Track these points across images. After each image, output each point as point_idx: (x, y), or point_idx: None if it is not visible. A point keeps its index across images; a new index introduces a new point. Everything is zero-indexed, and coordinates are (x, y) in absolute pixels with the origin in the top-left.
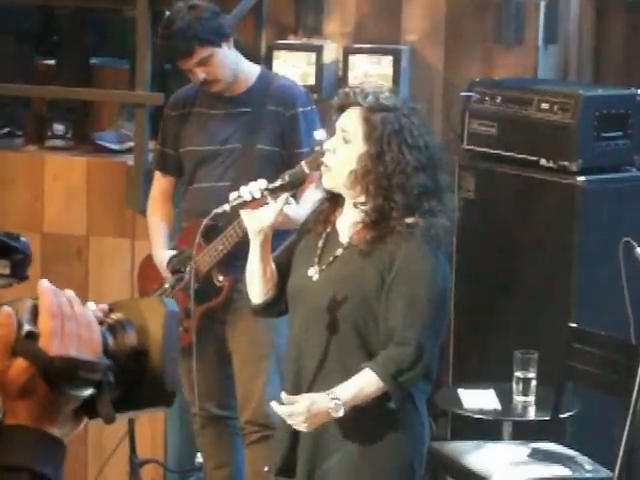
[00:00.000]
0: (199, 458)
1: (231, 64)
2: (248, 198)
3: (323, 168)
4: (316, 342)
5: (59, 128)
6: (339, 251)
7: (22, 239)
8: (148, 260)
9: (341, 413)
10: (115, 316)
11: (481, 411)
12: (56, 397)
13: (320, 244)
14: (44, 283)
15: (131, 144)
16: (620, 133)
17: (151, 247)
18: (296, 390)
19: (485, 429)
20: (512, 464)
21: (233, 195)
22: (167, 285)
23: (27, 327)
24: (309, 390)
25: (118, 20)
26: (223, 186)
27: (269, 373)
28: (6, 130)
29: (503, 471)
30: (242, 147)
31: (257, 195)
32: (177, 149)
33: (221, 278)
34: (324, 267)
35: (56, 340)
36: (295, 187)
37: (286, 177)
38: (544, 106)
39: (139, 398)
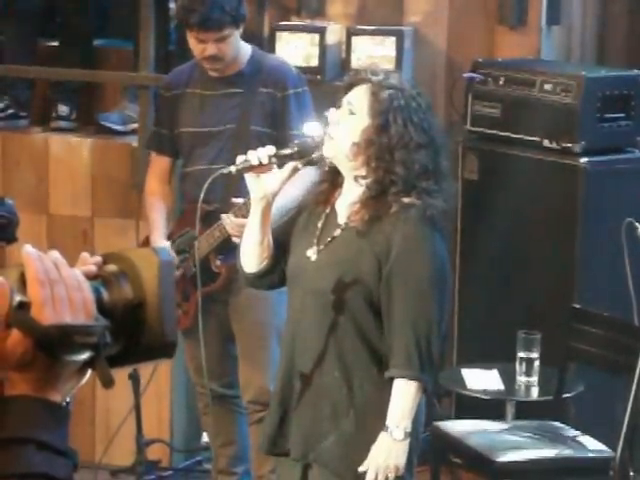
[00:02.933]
0: (205, 437)
1: (237, 46)
2: (255, 162)
3: (326, 137)
4: (312, 323)
5: (63, 109)
6: (337, 232)
7: (8, 202)
8: (147, 242)
9: (401, 435)
10: (109, 269)
11: (484, 391)
12: (54, 364)
13: (319, 225)
14: (28, 249)
15: (135, 125)
16: (623, 114)
17: (149, 231)
18: (289, 371)
19: (488, 409)
20: (515, 444)
21: (240, 158)
22: None
23: (18, 298)
24: (302, 371)
25: (122, 1)
26: (219, 168)
27: (271, 352)
28: (10, 112)
29: (506, 451)
30: (236, 128)
31: (265, 161)
32: (172, 130)
33: (218, 263)
34: (322, 248)
35: (48, 308)
36: (303, 157)
37: (295, 146)
38: (547, 87)
39: (139, 351)
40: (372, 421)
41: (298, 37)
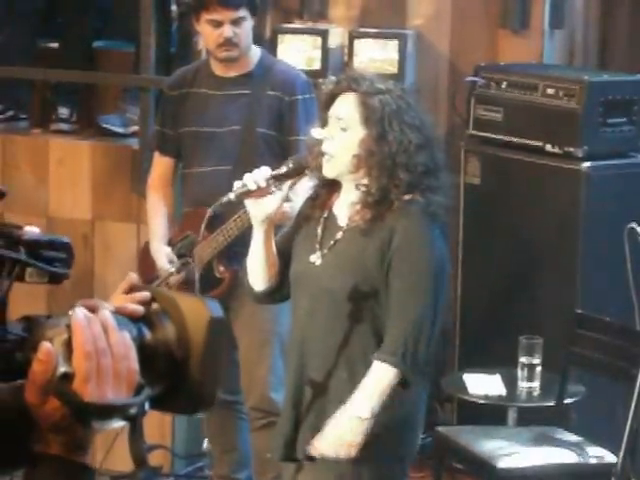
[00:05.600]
0: (206, 443)
1: (250, 38)
2: (253, 187)
3: (324, 158)
4: (321, 325)
5: (64, 111)
6: (339, 234)
7: (65, 241)
8: (148, 246)
9: (367, 414)
10: (154, 309)
11: (486, 397)
12: (88, 431)
13: (319, 230)
14: (78, 315)
15: (136, 128)
16: (625, 119)
17: (149, 234)
18: (300, 376)
19: (490, 414)
20: (517, 449)
21: (238, 184)
22: (172, 270)
23: (62, 368)
24: (312, 375)
25: (123, 2)
26: (224, 170)
27: (273, 359)
28: (10, 113)
29: (508, 456)
30: (242, 129)
31: (263, 184)
32: (176, 129)
33: (222, 269)
34: (326, 251)
35: (91, 384)
36: (299, 174)
37: (290, 164)
38: (550, 91)
39: (173, 405)
40: (379, 422)
41: (300, 40)
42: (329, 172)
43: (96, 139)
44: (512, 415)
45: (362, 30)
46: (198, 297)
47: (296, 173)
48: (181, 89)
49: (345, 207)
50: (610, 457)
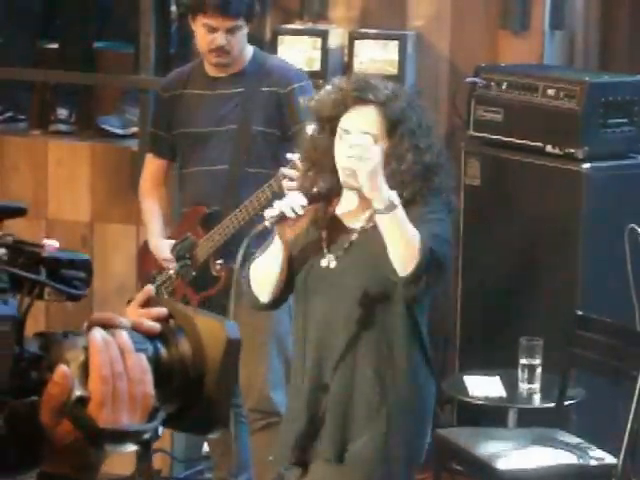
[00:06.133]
0: (206, 447)
1: (243, 44)
2: (292, 215)
3: (348, 172)
4: (343, 327)
5: (63, 112)
6: (354, 236)
7: (84, 258)
8: (147, 245)
9: (387, 204)
10: (171, 326)
11: (487, 398)
12: (99, 453)
13: (324, 235)
14: (95, 337)
15: (135, 129)
16: (626, 120)
17: (148, 236)
18: (317, 377)
19: (490, 416)
20: (517, 451)
21: (272, 212)
22: (171, 272)
23: (77, 392)
24: (333, 375)
25: (122, 4)
26: (221, 169)
27: (271, 360)
28: (9, 114)
29: (508, 458)
30: (238, 128)
31: (300, 212)
32: (170, 131)
33: (218, 267)
34: (340, 254)
35: (106, 408)
36: (329, 195)
37: (318, 188)
38: (550, 92)
39: (186, 424)
40: (403, 420)
41: (300, 41)
42: (353, 184)
43: (95, 140)
44: (512, 416)
45: (362, 31)
46: (216, 317)
47: (328, 196)
48: (175, 91)
49: (352, 210)
50: (610, 459)
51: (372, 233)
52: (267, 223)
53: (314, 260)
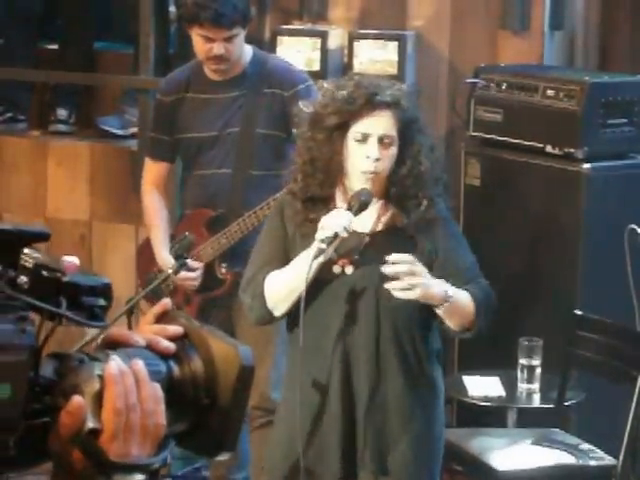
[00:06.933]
0: None
1: (242, 48)
2: (345, 235)
3: (374, 177)
4: (369, 332)
5: (62, 113)
6: (366, 239)
7: (106, 282)
8: (147, 243)
9: (445, 301)
10: (186, 343)
11: (486, 398)
12: None
13: None
14: (112, 368)
15: (135, 129)
16: (626, 120)
17: (151, 242)
18: (347, 386)
19: (490, 416)
20: (516, 451)
21: (325, 234)
22: (170, 270)
23: (90, 424)
24: (363, 383)
25: (122, 4)
26: (224, 173)
27: (275, 358)
28: (9, 115)
29: (507, 458)
30: (240, 131)
31: (350, 229)
32: (172, 135)
33: (224, 271)
34: (356, 259)
35: (118, 441)
36: (367, 205)
37: (361, 198)
38: (550, 93)
39: (194, 444)
40: (431, 422)
41: (299, 41)
42: (371, 188)
43: (95, 140)
44: (512, 417)
45: (362, 31)
46: (230, 341)
47: (366, 207)
48: (177, 94)
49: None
50: (610, 459)
51: (384, 236)
52: (323, 245)
53: (324, 268)
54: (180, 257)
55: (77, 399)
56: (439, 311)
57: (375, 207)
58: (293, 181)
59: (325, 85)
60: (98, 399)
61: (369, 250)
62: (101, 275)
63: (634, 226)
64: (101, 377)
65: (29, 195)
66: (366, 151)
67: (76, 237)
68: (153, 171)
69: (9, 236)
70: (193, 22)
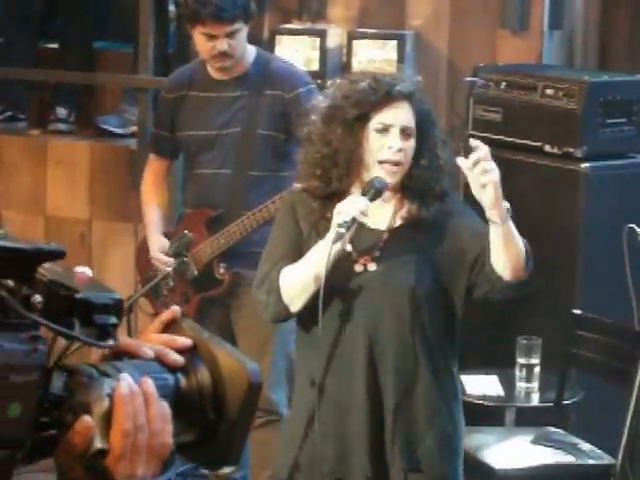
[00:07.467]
0: None
1: (244, 45)
2: (362, 219)
3: (392, 167)
4: (394, 330)
5: (62, 112)
6: (385, 235)
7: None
8: (145, 241)
9: (504, 215)
10: (194, 356)
11: (484, 397)
12: None
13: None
14: (123, 388)
15: (134, 128)
16: (625, 120)
17: (146, 232)
18: (373, 384)
19: (488, 415)
20: (515, 450)
21: (343, 218)
22: (169, 269)
23: (98, 444)
24: (390, 381)
25: (121, 4)
26: (225, 173)
27: (273, 357)
28: (9, 114)
29: (506, 457)
30: (241, 131)
31: (367, 214)
32: (174, 132)
33: (222, 271)
34: (378, 255)
35: (124, 461)
36: (381, 194)
37: (375, 184)
38: (549, 92)
39: (197, 456)
40: (457, 412)
41: (298, 40)
42: (394, 181)
43: (94, 139)
44: (510, 416)
45: (361, 30)
46: (239, 357)
47: (380, 194)
48: (180, 92)
49: (372, 210)
50: (609, 458)
51: (403, 231)
52: (342, 230)
53: (345, 266)
54: (179, 255)
55: (86, 419)
56: (497, 233)
57: (391, 203)
58: (306, 179)
59: (338, 80)
60: (107, 419)
61: (389, 246)
62: (111, 289)
63: (633, 225)
64: (110, 396)
65: (29, 194)
66: (388, 142)
67: (76, 236)
68: (153, 166)
69: (25, 254)
70: (195, 20)
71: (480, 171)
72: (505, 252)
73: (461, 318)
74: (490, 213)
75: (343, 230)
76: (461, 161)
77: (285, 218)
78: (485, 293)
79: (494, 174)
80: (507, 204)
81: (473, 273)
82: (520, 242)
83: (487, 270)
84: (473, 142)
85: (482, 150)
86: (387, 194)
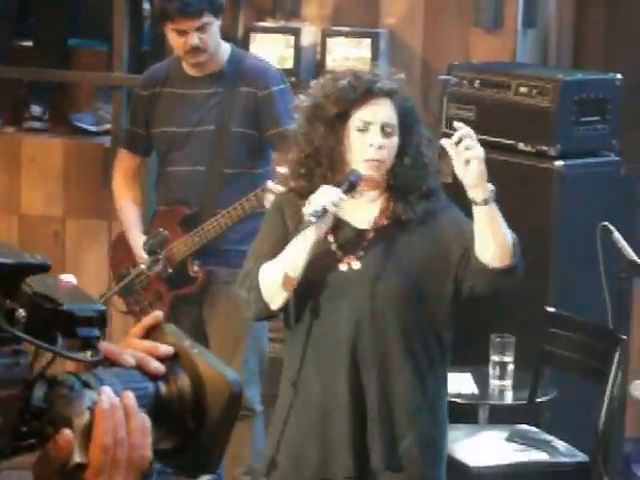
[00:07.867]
0: None
1: (217, 39)
2: (334, 209)
3: (373, 164)
4: (378, 328)
5: (36, 110)
6: (370, 234)
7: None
8: (119, 239)
9: (489, 195)
10: (175, 364)
11: (458, 395)
12: None
13: (329, 237)
14: (104, 402)
15: (108, 126)
16: (599, 118)
17: (125, 229)
18: (355, 382)
19: (462, 413)
20: (489, 448)
21: (314, 208)
22: (143, 266)
23: (77, 459)
24: (372, 379)
25: (96, 1)
26: (199, 171)
27: (246, 354)
28: None
29: (480, 455)
30: (216, 129)
31: (340, 205)
32: (148, 129)
33: (196, 269)
34: (362, 254)
35: (103, 475)
36: (355, 186)
37: (350, 177)
38: (523, 90)
39: (176, 463)
40: (441, 414)
41: (273, 38)
42: (376, 176)
43: (68, 137)
44: (484, 413)
45: (335, 29)
46: (220, 367)
47: (355, 187)
48: (154, 88)
49: (358, 209)
50: (582, 456)
51: (389, 230)
52: (312, 219)
53: (329, 265)
54: (153, 253)
55: (66, 433)
56: (479, 213)
57: (377, 203)
58: (293, 179)
59: (321, 79)
60: (87, 432)
61: (374, 245)
62: (94, 300)
63: (607, 223)
64: (91, 410)
65: (3, 192)
66: (369, 139)
67: (50, 233)
68: (125, 163)
69: (8, 269)
70: (164, 17)
71: (464, 147)
72: (490, 235)
73: (450, 319)
74: (474, 192)
75: (313, 219)
76: (445, 141)
77: (273, 217)
78: (471, 288)
79: (478, 150)
80: (492, 186)
81: (459, 270)
82: (505, 227)
83: (472, 262)
84: (456, 123)
85: (465, 129)
86: (373, 193)
